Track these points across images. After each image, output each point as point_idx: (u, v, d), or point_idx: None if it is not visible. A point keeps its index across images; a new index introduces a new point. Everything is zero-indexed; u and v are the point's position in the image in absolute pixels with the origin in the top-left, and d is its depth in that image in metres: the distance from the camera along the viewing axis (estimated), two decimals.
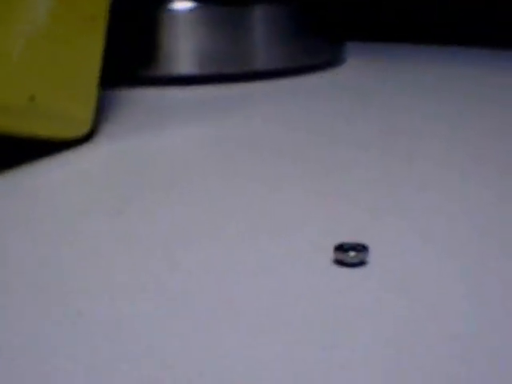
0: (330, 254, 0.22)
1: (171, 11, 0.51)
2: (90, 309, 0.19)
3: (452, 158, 0.33)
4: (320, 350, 0.17)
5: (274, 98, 0.48)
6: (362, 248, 0.22)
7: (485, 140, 0.36)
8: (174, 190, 0.29)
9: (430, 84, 0.50)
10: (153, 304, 0.20)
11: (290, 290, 0.20)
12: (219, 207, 0.27)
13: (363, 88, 0.50)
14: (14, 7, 0.33)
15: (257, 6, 0.52)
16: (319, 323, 0.18)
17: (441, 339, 0.17)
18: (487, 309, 0.19)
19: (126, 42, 0.52)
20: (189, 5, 0.51)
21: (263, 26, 0.52)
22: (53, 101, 0.35)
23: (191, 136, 0.39)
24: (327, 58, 0.56)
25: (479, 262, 0.22)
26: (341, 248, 0.22)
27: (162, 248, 0.23)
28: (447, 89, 0.49)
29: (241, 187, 0.29)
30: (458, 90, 0.48)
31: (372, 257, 0.22)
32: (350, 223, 0.25)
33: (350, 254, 0.21)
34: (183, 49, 0.52)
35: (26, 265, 0.22)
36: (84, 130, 0.37)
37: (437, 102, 0.45)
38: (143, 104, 0.47)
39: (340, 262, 0.22)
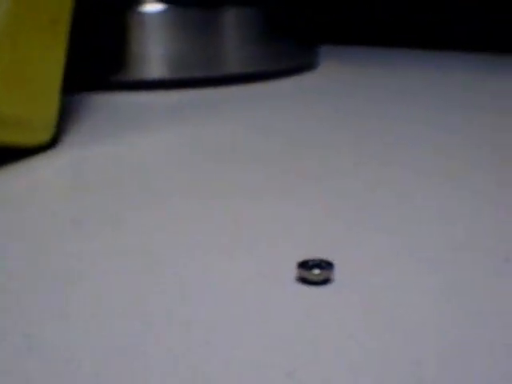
0: (294, 272, 0.21)
1: (140, 13, 0.50)
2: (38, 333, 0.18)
3: (426, 164, 0.32)
4: (281, 372, 0.16)
5: (246, 103, 0.47)
6: (326, 265, 0.21)
7: (459, 143, 0.35)
8: (137, 198, 0.28)
9: (404, 88, 0.50)
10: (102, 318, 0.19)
11: (251, 309, 0.19)
12: (181, 217, 0.26)
13: (336, 92, 0.49)
14: None
15: (228, 9, 0.51)
16: (280, 344, 0.17)
17: (406, 362, 0.17)
18: (457, 330, 0.18)
19: (94, 46, 0.50)
20: (158, 7, 0.50)
21: (234, 29, 0.51)
22: (13, 106, 0.34)
23: (159, 142, 0.38)
24: (300, 61, 0.55)
25: (450, 280, 0.21)
26: (305, 265, 0.21)
27: (123, 256, 0.22)
28: (421, 92, 0.48)
29: (205, 197, 0.28)
30: (431, 94, 0.48)
31: (338, 274, 0.21)
32: (319, 238, 0.24)
33: (314, 272, 0.20)
34: (153, 52, 0.50)
35: None
36: (46, 136, 0.36)
37: (410, 105, 0.44)
38: (111, 109, 0.46)
39: (304, 280, 0.21)
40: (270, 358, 0.17)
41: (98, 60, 0.51)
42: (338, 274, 0.21)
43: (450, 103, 0.45)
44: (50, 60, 0.36)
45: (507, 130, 0.39)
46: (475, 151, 0.34)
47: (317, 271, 0.20)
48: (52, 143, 0.37)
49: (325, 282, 0.21)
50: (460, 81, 0.53)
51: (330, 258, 0.22)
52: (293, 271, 0.21)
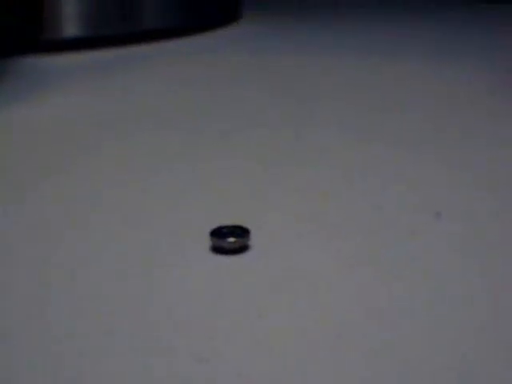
0: (208, 240, 0.19)
1: None
2: None
3: (343, 118, 0.31)
4: (196, 347, 0.14)
5: (166, 59, 0.44)
6: (241, 232, 0.19)
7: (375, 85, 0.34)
8: (54, 163, 0.26)
9: (325, 39, 0.48)
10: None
11: (160, 285, 0.18)
12: (98, 185, 0.24)
13: (258, 46, 0.47)
14: None
15: None
16: (192, 319, 0.16)
17: (331, 324, 0.15)
18: (373, 292, 0.17)
19: (6, 6, 0.47)
20: None
21: None
22: None
23: (74, 105, 0.35)
24: (221, 14, 0.53)
25: (363, 243, 0.20)
26: (218, 233, 0.19)
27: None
28: (345, 45, 0.47)
29: (121, 163, 0.26)
30: (352, 44, 0.46)
31: (255, 241, 0.20)
32: (235, 204, 0.23)
33: (229, 240, 0.19)
34: (65, 11, 0.48)
35: None
36: None
37: (337, 58, 0.43)
38: (24, 72, 0.43)
39: (218, 249, 0.19)
40: (186, 334, 0.15)
41: (9, 20, 0.47)
42: (254, 241, 0.20)
43: (365, 51, 0.44)
44: None
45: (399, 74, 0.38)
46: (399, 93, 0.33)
47: (231, 239, 0.19)
48: None
49: (241, 250, 0.19)
50: (386, 28, 0.51)
51: (245, 224, 0.20)
52: (206, 240, 0.20)
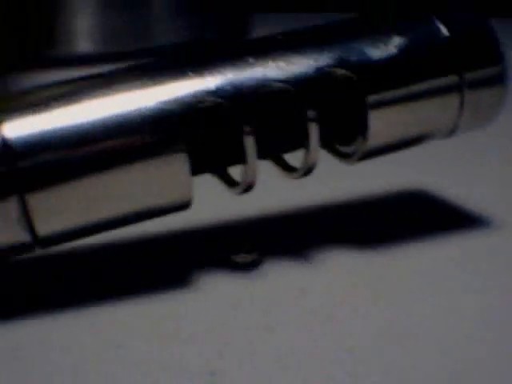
0: None
1: None
2: None
3: None
4: None
5: None
6: None
7: None
8: None
9: None
10: None
11: None
12: None
13: None
14: None
15: None
16: None
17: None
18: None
19: (21, 22, 0.49)
20: None
21: None
22: None
23: None
24: (232, 30, 0.54)
25: None
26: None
27: None
28: None
29: None
30: None
31: None
32: None
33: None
34: (81, 27, 0.49)
35: None
36: None
37: None
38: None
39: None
40: None
41: (24, 36, 0.49)
42: None
43: None
44: None
45: None
46: None
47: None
48: None
49: None
50: None
51: None
52: None
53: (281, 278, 0.19)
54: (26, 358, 0.16)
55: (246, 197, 0.20)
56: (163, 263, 0.20)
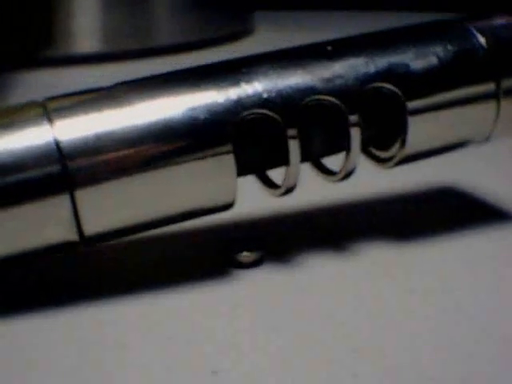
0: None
1: None
2: None
3: None
4: None
5: None
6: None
7: None
8: None
9: None
10: None
11: None
12: None
13: None
14: None
15: None
16: None
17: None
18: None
19: (20, 21, 0.48)
20: None
21: None
22: None
23: None
24: (234, 28, 0.54)
25: None
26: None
27: None
28: None
29: None
30: None
31: None
32: None
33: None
34: (81, 26, 0.49)
35: None
36: None
37: None
38: (41, 87, 0.44)
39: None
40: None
41: (25, 36, 0.48)
42: None
43: None
44: None
45: None
46: None
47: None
48: None
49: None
50: None
51: None
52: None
53: (283, 276, 0.19)
54: (26, 358, 0.16)
55: (250, 195, 0.20)
56: (164, 262, 0.20)
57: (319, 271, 0.19)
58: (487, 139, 0.21)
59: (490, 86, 0.20)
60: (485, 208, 0.23)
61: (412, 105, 0.19)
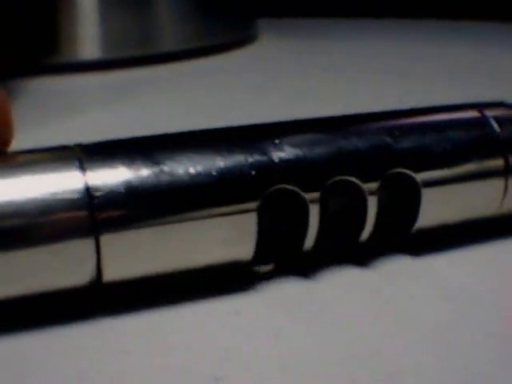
0: None
1: None
2: None
3: None
4: None
5: (182, 81, 0.45)
6: None
7: None
8: None
9: (344, 60, 0.49)
10: None
11: None
12: None
13: (275, 67, 0.48)
14: None
15: None
16: None
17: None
18: None
19: (23, 27, 0.48)
20: None
21: (167, 4, 0.50)
22: None
23: (97, 124, 0.36)
24: (237, 36, 0.54)
25: None
26: None
27: None
28: (362, 64, 0.48)
29: None
30: (373, 66, 0.47)
31: None
32: None
33: None
34: (85, 33, 0.49)
35: None
36: None
37: (351, 81, 0.43)
38: (45, 93, 0.44)
39: None
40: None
41: (28, 42, 0.49)
42: None
43: (390, 73, 0.45)
44: None
45: None
46: None
47: None
48: None
49: None
50: (402, 49, 0.52)
51: None
52: None
53: (285, 281, 0.19)
54: (28, 364, 0.16)
55: None
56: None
57: (324, 279, 0.19)
58: (495, 215, 0.21)
59: (498, 163, 0.20)
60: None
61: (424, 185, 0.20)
